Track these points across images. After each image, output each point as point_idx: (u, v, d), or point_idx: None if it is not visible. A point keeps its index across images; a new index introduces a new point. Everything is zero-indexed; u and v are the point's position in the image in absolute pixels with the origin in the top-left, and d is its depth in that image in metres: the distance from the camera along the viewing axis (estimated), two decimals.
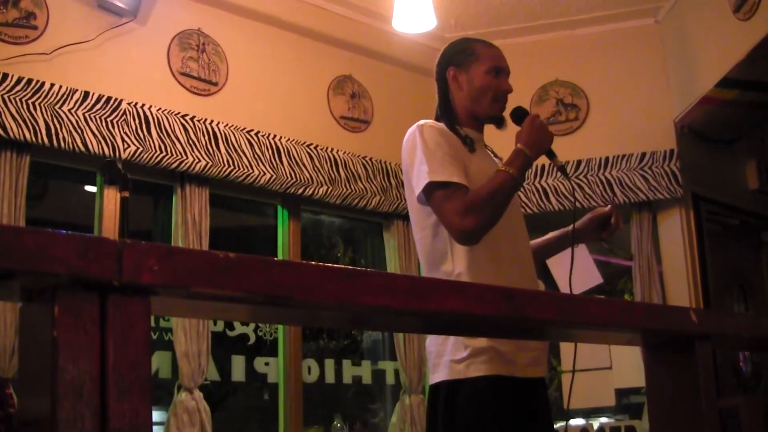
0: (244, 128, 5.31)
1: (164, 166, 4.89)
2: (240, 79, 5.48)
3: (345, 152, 5.81)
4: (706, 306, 5.87)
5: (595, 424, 5.98)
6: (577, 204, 5.96)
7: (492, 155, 3.29)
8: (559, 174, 5.99)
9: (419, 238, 3.10)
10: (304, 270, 1.22)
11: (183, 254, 1.10)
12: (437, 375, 2.97)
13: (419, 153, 2.97)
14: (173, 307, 1.40)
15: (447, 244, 2.98)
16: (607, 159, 6.04)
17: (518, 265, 3.08)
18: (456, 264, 2.97)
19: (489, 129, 3.30)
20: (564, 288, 5.57)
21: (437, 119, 3.24)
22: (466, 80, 3.22)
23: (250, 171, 5.23)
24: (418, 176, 2.95)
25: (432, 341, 3.02)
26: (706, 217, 6.17)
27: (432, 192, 2.92)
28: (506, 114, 3.24)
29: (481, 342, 2.85)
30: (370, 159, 5.93)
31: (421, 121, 3.09)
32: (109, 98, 4.76)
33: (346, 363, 6.07)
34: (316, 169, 5.58)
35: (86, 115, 4.65)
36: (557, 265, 5.57)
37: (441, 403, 2.92)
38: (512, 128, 3.18)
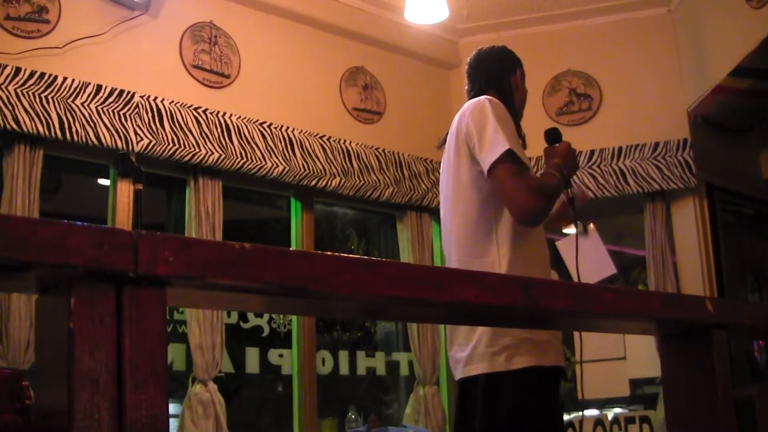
0: (257, 120, 5.31)
1: (177, 158, 4.90)
2: (252, 71, 5.48)
3: (358, 144, 5.81)
4: (720, 296, 5.85)
5: (609, 414, 5.96)
6: (591, 195, 5.95)
7: None
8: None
9: (460, 210, 3.09)
10: (320, 260, 1.22)
11: (198, 245, 1.10)
12: (473, 367, 2.94)
13: (492, 122, 2.96)
14: (188, 298, 1.40)
15: (493, 222, 2.98)
16: (620, 149, 6.02)
17: (546, 256, 3.16)
18: (500, 245, 2.96)
19: None
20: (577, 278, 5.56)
21: None
22: (523, 88, 3.38)
23: (263, 163, 5.23)
24: (492, 143, 2.93)
25: (462, 333, 3.00)
26: (720, 206, 6.15)
27: (505, 162, 2.90)
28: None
29: (519, 333, 2.85)
30: (383, 150, 5.92)
31: (488, 96, 3.12)
32: (121, 91, 4.77)
33: (360, 354, 6.08)
34: (329, 160, 5.58)
35: (99, 108, 4.66)
36: (570, 254, 5.56)
37: (481, 396, 2.90)
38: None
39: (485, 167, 2.94)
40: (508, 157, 2.89)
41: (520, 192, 2.87)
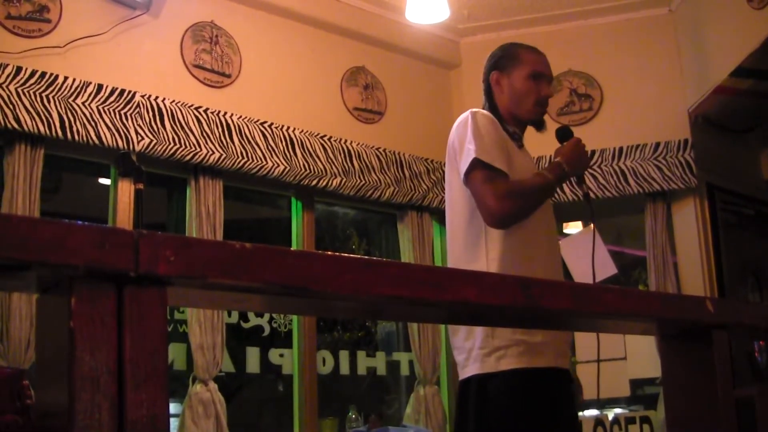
0: (258, 120, 5.31)
1: (178, 158, 4.90)
2: (253, 70, 5.48)
3: (358, 143, 5.81)
4: (721, 296, 5.85)
5: (610, 414, 5.96)
6: (591, 195, 5.94)
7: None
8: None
9: (453, 221, 3.16)
10: (320, 260, 1.22)
11: (199, 245, 1.10)
12: (467, 370, 2.98)
13: (469, 134, 3.03)
14: (189, 298, 1.40)
15: (482, 229, 3.01)
16: (621, 149, 6.02)
17: (550, 256, 3.17)
18: (489, 250, 2.99)
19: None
20: (578, 278, 5.56)
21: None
22: (507, 84, 3.30)
23: (264, 163, 5.23)
24: (466, 154, 3.00)
25: (460, 336, 3.03)
26: (721, 206, 6.14)
27: (475, 170, 2.97)
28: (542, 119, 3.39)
29: (511, 334, 2.87)
30: (384, 150, 5.92)
31: (474, 109, 3.16)
32: (122, 91, 4.77)
33: (361, 354, 6.08)
34: (329, 160, 5.58)
35: (100, 107, 4.66)
36: (571, 254, 5.56)
37: (472, 397, 2.92)
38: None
39: (461, 177, 3.04)
40: (478, 165, 2.97)
41: (486, 197, 2.95)
